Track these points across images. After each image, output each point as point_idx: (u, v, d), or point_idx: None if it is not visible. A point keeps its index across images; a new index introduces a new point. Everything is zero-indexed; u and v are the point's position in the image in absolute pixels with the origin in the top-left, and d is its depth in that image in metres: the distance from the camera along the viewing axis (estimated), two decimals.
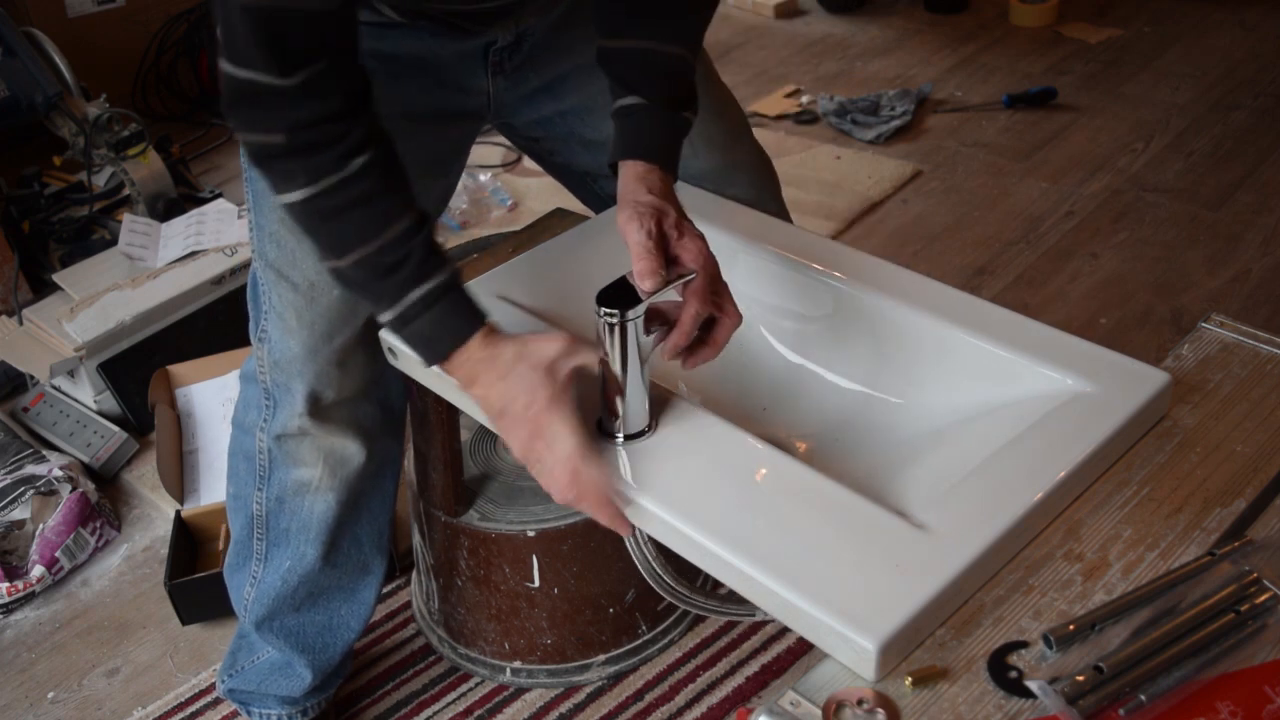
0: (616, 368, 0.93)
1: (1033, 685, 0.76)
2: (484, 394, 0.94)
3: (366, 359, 1.19)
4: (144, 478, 1.91)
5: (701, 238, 0.98)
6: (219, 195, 2.49)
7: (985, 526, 0.84)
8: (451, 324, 0.94)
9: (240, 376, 1.26)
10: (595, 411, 0.98)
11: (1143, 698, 0.74)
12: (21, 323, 2.03)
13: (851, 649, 0.77)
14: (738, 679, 1.45)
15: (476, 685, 1.49)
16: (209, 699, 1.52)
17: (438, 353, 0.95)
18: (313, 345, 1.14)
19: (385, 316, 0.95)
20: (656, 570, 1.03)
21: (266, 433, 1.21)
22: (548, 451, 0.91)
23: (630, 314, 0.91)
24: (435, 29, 1.12)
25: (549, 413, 0.90)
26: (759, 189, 1.31)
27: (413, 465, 1.46)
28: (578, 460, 0.89)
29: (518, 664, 1.47)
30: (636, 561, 1.02)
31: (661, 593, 1.01)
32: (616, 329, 0.91)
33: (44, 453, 1.89)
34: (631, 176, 1.03)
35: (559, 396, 0.90)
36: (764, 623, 1.51)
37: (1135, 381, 0.95)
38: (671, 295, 0.95)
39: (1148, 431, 0.95)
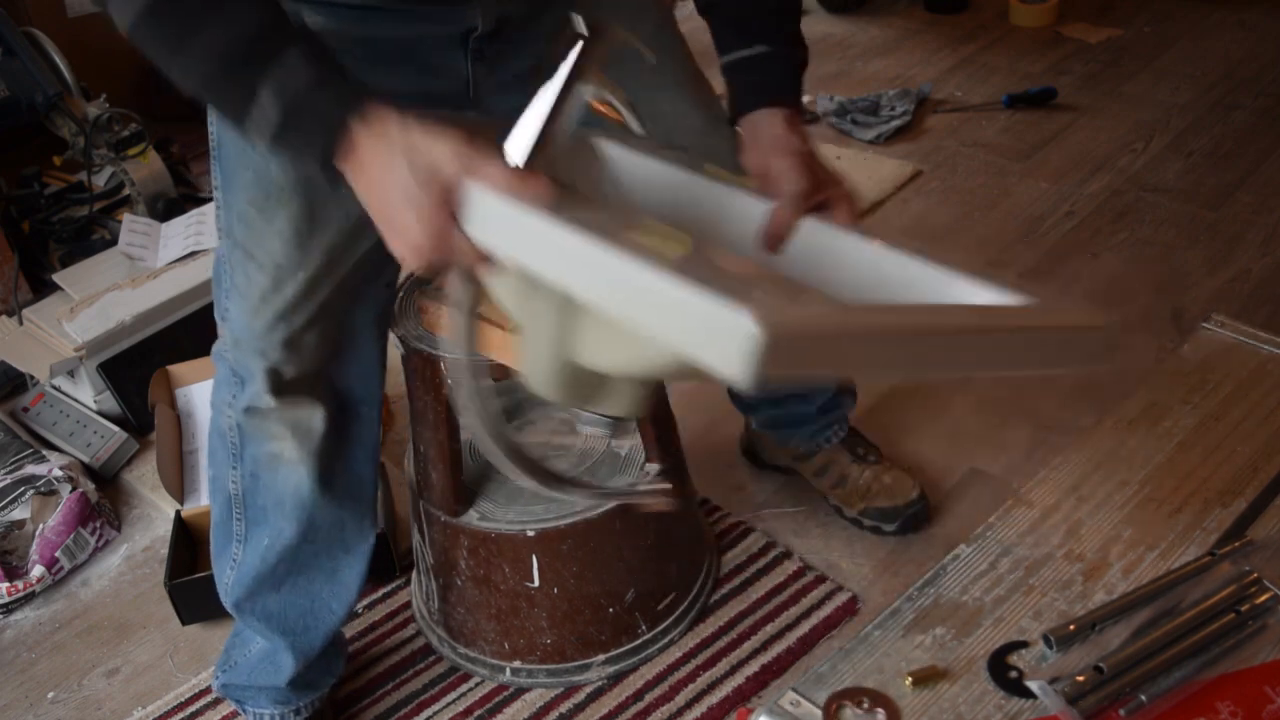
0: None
1: (1033, 685, 0.76)
2: (365, 193, 0.83)
3: (326, 335, 1.20)
4: (144, 478, 1.91)
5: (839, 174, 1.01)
6: None
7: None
8: (334, 107, 0.81)
9: (212, 356, 1.27)
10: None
11: (1143, 698, 0.75)
12: (21, 323, 2.03)
13: (732, 339, 0.63)
14: (738, 679, 1.45)
15: (476, 685, 1.49)
16: (209, 699, 1.52)
17: (326, 147, 0.82)
18: (271, 323, 1.15)
19: (260, 120, 0.81)
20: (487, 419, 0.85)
21: (234, 408, 1.22)
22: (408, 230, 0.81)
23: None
24: (419, 13, 1.11)
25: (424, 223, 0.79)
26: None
27: (413, 465, 1.46)
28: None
29: (518, 664, 1.47)
30: (462, 404, 0.85)
31: (490, 453, 0.86)
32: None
33: (44, 453, 1.89)
34: (771, 123, 1.04)
35: (442, 213, 0.79)
36: (764, 622, 1.51)
37: (1081, 308, 0.84)
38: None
39: (1086, 366, 0.83)
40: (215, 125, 1.14)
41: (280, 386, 1.19)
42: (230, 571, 1.31)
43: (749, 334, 0.62)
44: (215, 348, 1.25)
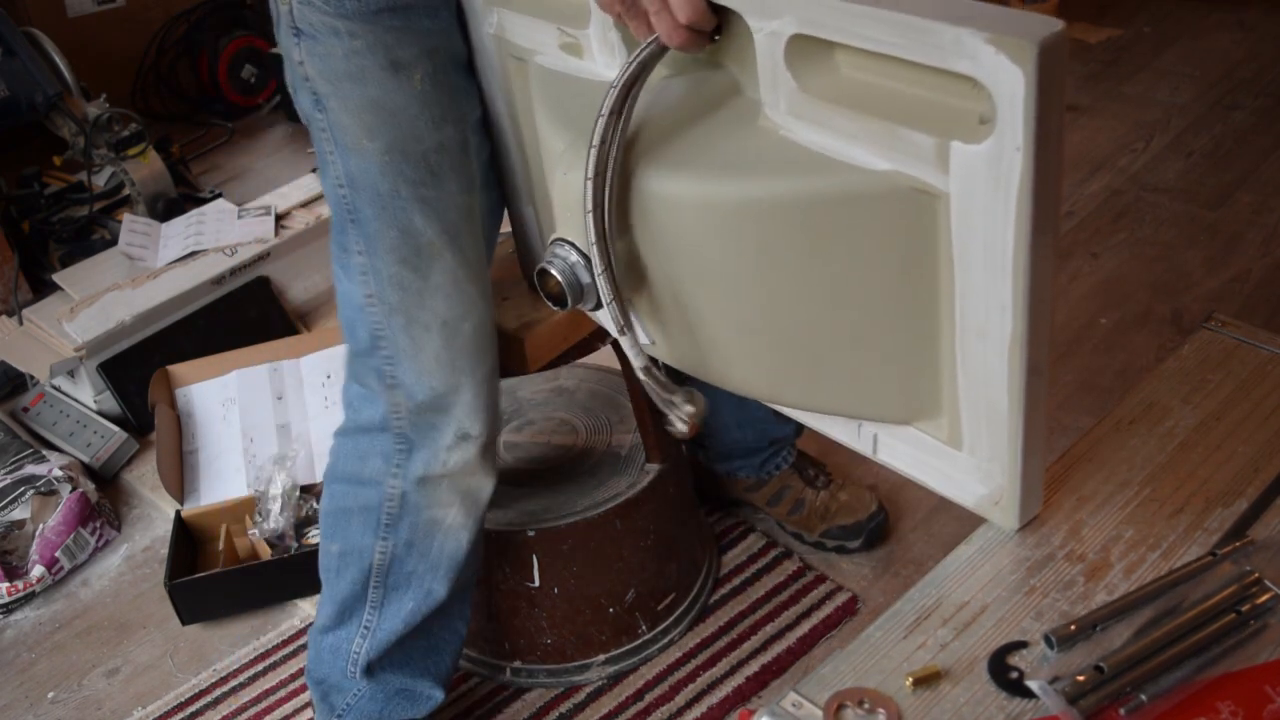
0: None
1: (1033, 685, 0.76)
2: None
3: (497, 387, 1.17)
4: (144, 478, 1.91)
5: None
6: (219, 195, 2.49)
7: None
8: None
9: (345, 432, 1.21)
10: None
11: (1143, 697, 0.74)
12: (21, 323, 2.03)
13: (1032, 30, 0.69)
14: (738, 679, 1.45)
15: (476, 685, 1.49)
16: (209, 699, 1.52)
17: None
18: (455, 383, 1.12)
19: None
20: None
21: (402, 478, 1.17)
22: None
23: None
24: None
25: None
26: None
27: None
28: None
29: (518, 664, 1.47)
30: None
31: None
32: None
33: (44, 453, 1.89)
34: None
35: None
36: (764, 622, 1.51)
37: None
38: None
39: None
40: (348, 190, 1.08)
41: (463, 448, 1.15)
42: (360, 640, 1.24)
43: (1055, 25, 0.68)
44: (360, 421, 1.18)
